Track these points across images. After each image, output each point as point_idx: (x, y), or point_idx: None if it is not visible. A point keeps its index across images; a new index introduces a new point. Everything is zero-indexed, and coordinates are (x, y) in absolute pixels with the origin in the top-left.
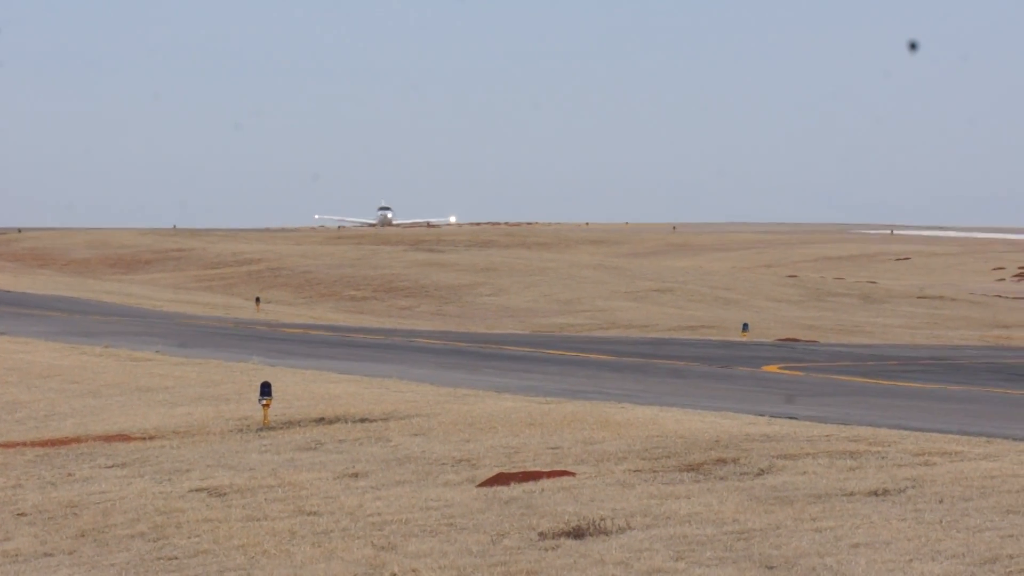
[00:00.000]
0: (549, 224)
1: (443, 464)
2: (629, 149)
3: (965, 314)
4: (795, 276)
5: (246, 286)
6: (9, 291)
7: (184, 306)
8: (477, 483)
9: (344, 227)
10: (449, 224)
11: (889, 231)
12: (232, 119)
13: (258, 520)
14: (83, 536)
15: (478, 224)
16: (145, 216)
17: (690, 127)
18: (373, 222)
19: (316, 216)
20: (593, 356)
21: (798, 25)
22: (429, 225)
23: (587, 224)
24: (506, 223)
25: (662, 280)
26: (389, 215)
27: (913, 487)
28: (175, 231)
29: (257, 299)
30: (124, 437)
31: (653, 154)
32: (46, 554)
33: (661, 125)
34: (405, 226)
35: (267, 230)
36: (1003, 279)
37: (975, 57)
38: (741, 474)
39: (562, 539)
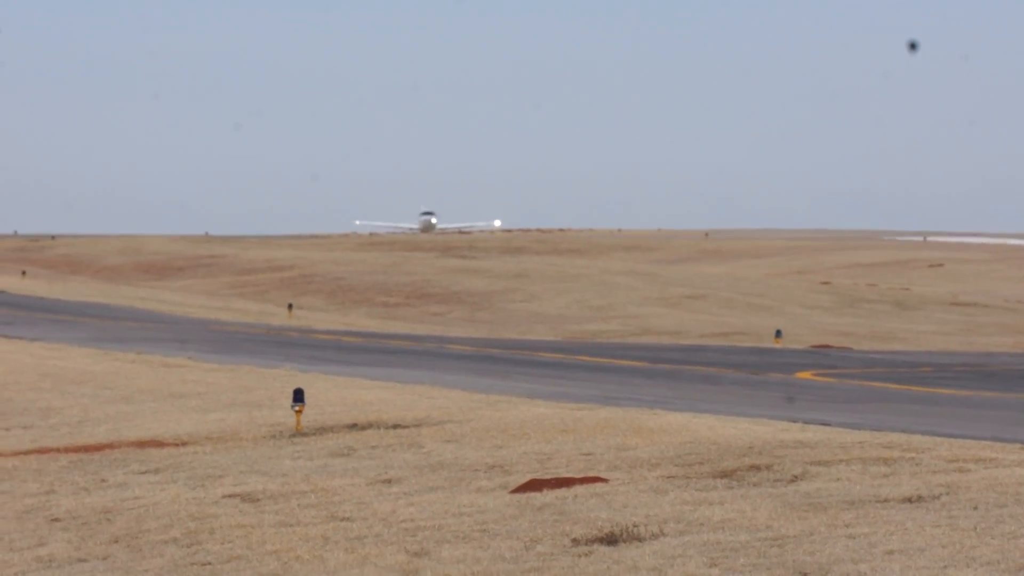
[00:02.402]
0: (581, 230)
1: (476, 470)
2: (661, 155)
3: (999, 321)
4: (828, 283)
5: (278, 292)
6: (43, 298)
7: (216, 312)
8: (510, 489)
9: (392, 232)
10: (494, 229)
11: (922, 238)
12: (265, 125)
13: (291, 526)
14: (116, 542)
15: (510, 231)
16: (177, 223)
17: (722, 133)
18: (416, 227)
19: (357, 222)
20: (625, 362)
21: (827, 26)
22: (461, 232)
23: (619, 230)
24: (538, 229)
25: (694, 286)
26: (433, 220)
27: (947, 494)
28: (207, 238)
29: (290, 305)
30: (157, 443)
31: (685, 160)
32: (80, 560)
33: (693, 131)
34: (449, 231)
35: (299, 236)
36: None
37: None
38: (774, 480)
39: (595, 545)
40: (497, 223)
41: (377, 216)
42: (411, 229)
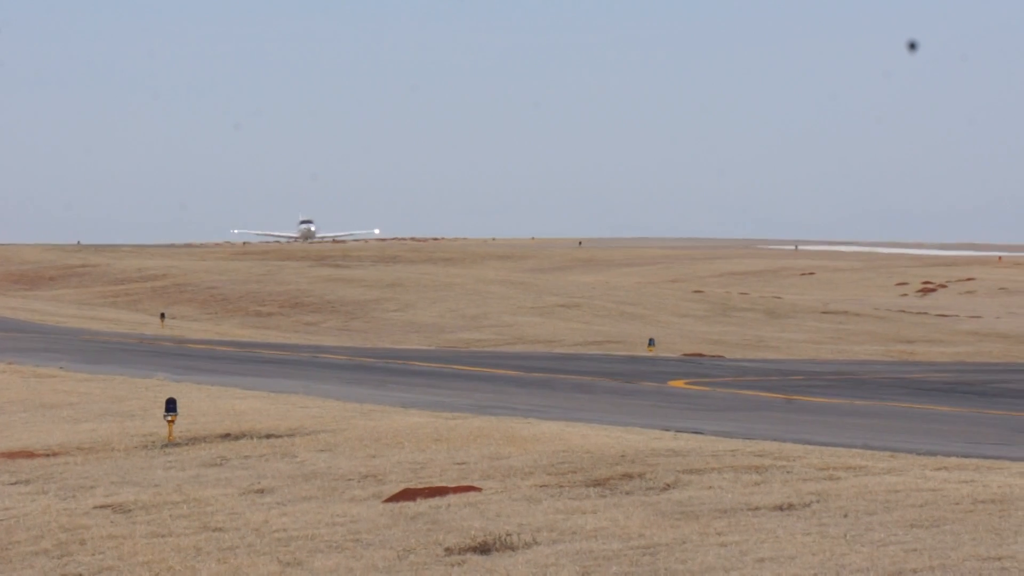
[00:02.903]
0: (455, 239)
1: (349, 480)
2: (534, 163)
3: (869, 329)
4: (701, 291)
5: (151, 302)
6: None
7: (89, 322)
8: (383, 499)
9: (271, 241)
10: (373, 238)
11: (793, 246)
12: (140, 131)
13: (163, 536)
14: None
15: (383, 239)
16: (48, 232)
17: (595, 140)
18: (295, 236)
19: (235, 231)
20: (500, 371)
21: (701, 30)
22: (336, 240)
23: (493, 239)
24: (412, 238)
25: (568, 295)
26: (312, 228)
27: (818, 501)
28: (79, 247)
29: (162, 315)
30: (27, 453)
31: (559, 168)
32: None
33: (566, 139)
34: (328, 240)
35: (173, 246)
36: (907, 294)
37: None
38: (647, 489)
39: (468, 555)
40: (376, 231)
41: (254, 225)
42: (290, 238)
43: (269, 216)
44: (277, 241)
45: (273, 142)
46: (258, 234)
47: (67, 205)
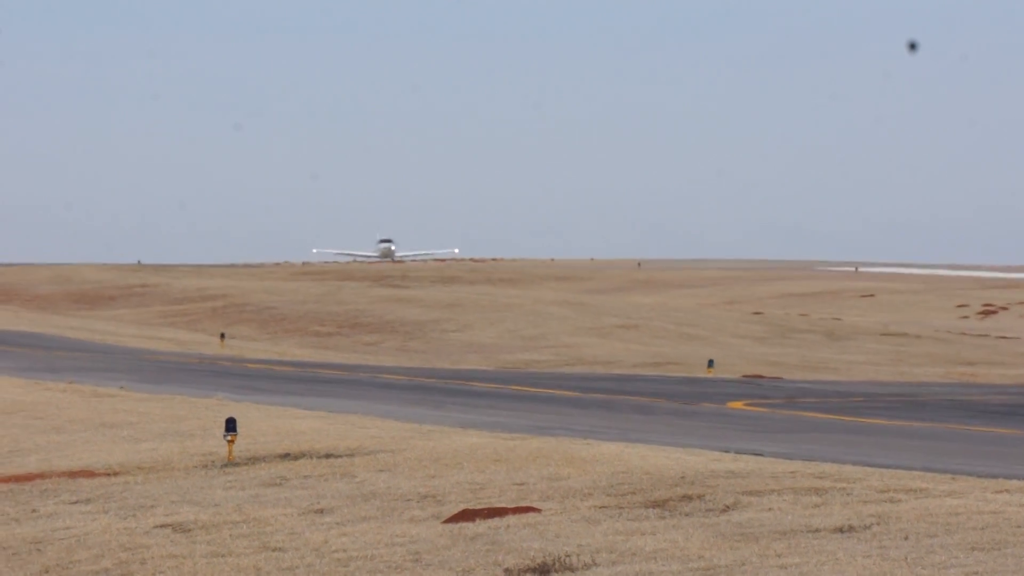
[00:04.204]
0: (514, 260)
1: (408, 500)
2: (593, 185)
3: (929, 351)
4: (760, 313)
5: (211, 322)
6: None
7: (148, 342)
8: (442, 519)
9: (351, 260)
10: (454, 258)
11: (853, 268)
12: (212, 153)
13: (223, 556)
14: (47, 572)
15: (443, 260)
16: (109, 252)
17: (655, 162)
18: (375, 255)
19: (314, 250)
20: (558, 392)
21: (766, 61)
22: (421, 259)
23: (552, 260)
24: (471, 259)
25: (627, 316)
26: (392, 247)
27: (878, 524)
28: (139, 267)
29: (222, 335)
30: (88, 473)
31: (618, 189)
32: None
33: (625, 160)
34: (408, 259)
35: (232, 265)
36: (967, 316)
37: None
38: (706, 510)
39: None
40: (456, 251)
41: (333, 244)
42: (369, 257)
43: (346, 235)
44: (357, 260)
45: (348, 163)
46: (338, 253)
47: (128, 226)
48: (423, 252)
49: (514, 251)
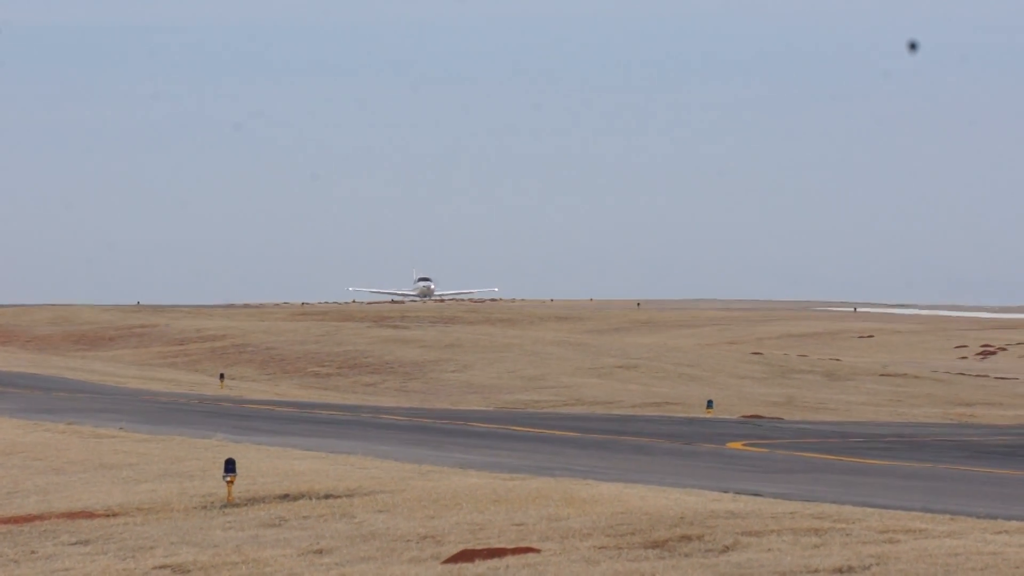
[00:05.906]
0: (513, 300)
1: (408, 541)
2: (593, 224)
3: (928, 391)
4: (759, 353)
5: (210, 363)
6: None
7: (148, 383)
8: (442, 560)
9: (390, 299)
10: (493, 296)
11: (852, 308)
12: (222, 189)
13: None
14: None
15: (442, 300)
16: (109, 292)
17: (653, 202)
18: (413, 294)
19: (351, 288)
20: (558, 433)
21: (756, 99)
22: (458, 299)
23: (551, 300)
24: (470, 299)
25: (627, 356)
26: (431, 285)
27: (877, 564)
28: (139, 307)
29: (221, 375)
30: (87, 514)
31: (616, 230)
32: None
33: (624, 201)
34: (447, 298)
35: (231, 306)
36: (966, 357)
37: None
38: (706, 551)
39: None
40: (496, 289)
41: (372, 283)
42: (407, 296)
43: (381, 274)
44: (395, 300)
45: (375, 199)
46: (374, 292)
47: (129, 267)
48: (463, 292)
49: (512, 291)
